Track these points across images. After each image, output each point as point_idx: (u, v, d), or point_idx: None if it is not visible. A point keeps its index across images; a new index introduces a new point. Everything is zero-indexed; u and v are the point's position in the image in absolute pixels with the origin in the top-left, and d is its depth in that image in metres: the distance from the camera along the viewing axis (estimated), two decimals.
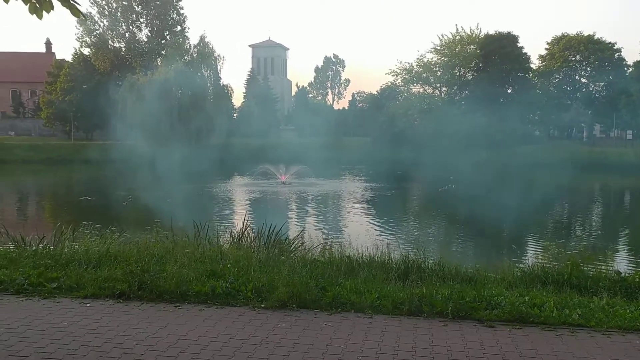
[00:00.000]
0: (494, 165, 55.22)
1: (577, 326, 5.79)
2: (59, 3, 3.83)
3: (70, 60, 71.62)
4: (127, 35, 76.65)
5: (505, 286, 7.18)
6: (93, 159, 51.29)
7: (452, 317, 5.98)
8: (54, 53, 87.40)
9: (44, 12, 3.84)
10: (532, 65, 71.44)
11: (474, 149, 60.34)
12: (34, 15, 3.80)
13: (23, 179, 44.72)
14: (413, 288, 6.69)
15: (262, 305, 6.31)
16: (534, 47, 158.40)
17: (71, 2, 3.84)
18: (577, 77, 72.99)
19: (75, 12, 3.89)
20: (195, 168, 42.08)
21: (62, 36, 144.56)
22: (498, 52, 66.09)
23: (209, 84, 72.30)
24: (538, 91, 70.53)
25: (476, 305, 6.17)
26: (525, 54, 69.07)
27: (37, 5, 3.79)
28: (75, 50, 73.82)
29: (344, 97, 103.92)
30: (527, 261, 12.02)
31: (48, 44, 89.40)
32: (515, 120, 63.63)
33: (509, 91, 69.98)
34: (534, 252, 15.67)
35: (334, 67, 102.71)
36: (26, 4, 3.75)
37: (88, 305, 6.32)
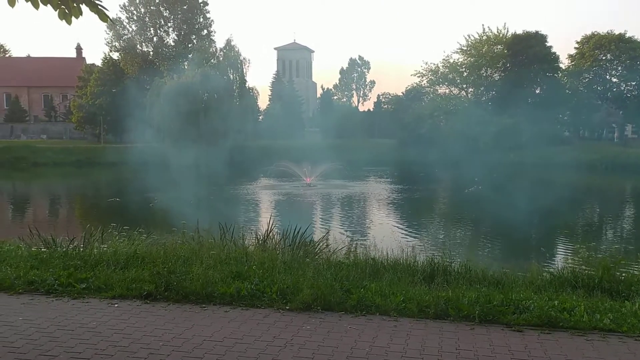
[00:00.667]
0: (522, 166, 54.46)
1: (608, 331, 5.65)
2: (88, 9, 3.90)
3: (100, 65, 73.03)
4: (154, 39, 77.85)
5: (533, 290, 7.04)
6: (121, 162, 52.19)
7: (479, 321, 5.89)
8: (84, 58, 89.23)
9: (73, 18, 3.92)
10: (561, 65, 70.20)
11: (501, 151, 59.57)
12: (64, 20, 3.87)
13: (54, 181, 45.75)
14: (439, 291, 6.62)
15: (287, 307, 6.31)
16: (563, 47, 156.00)
17: (99, 7, 3.90)
18: (607, 76, 71.40)
19: (103, 17, 3.96)
20: (221, 170, 42.46)
21: (92, 41, 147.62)
22: (526, 52, 65.12)
23: (235, 87, 72.86)
24: (567, 91, 69.24)
25: (504, 309, 6.07)
26: (554, 53, 67.90)
27: (67, 11, 3.86)
28: (105, 55, 75.31)
29: (369, 99, 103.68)
30: (556, 264, 11.81)
31: (79, 49, 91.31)
32: (543, 121, 62.57)
33: (537, 91, 68.83)
34: (563, 255, 15.37)
35: (359, 69, 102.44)
36: (56, 10, 3.83)
37: (116, 305, 6.41)
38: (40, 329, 5.59)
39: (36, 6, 3.72)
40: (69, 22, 3.91)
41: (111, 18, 3.81)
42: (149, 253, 8.43)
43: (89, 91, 68.13)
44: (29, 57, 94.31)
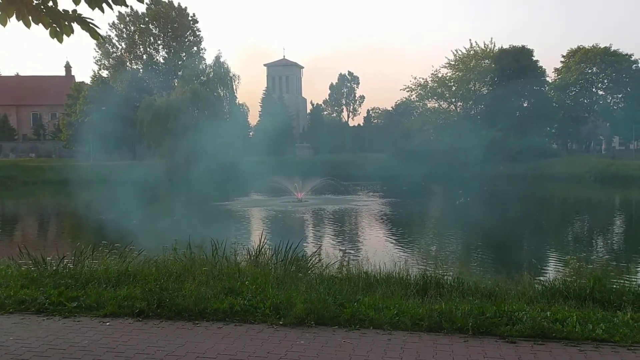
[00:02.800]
0: (512, 179, 54.83)
1: (601, 341, 5.67)
2: (79, 27, 3.92)
3: (89, 83, 72.96)
4: (144, 57, 78.07)
5: (526, 301, 7.06)
6: (111, 180, 51.87)
7: (472, 333, 5.90)
8: (73, 76, 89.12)
9: (64, 36, 3.94)
10: (547, 79, 71.17)
11: (491, 164, 60.03)
12: (55, 39, 3.90)
13: (43, 199, 45.39)
14: (432, 304, 6.63)
15: (281, 322, 6.29)
16: (550, 61, 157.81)
17: (91, 25, 3.93)
18: (594, 89, 72.40)
19: (94, 35, 3.98)
20: (211, 186, 42.34)
21: (81, 59, 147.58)
22: (513, 66, 66.01)
23: (225, 104, 73.07)
24: (555, 104, 70.09)
25: (497, 320, 6.09)
26: (541, 67, 68.94)
27: (58, 29, 3.89)
28: (94, 73, 75.31)
29: (359, 114, 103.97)
30: (547, 275, 11.87)
31: (68, 67, 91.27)
32: (532, 134, 63.22)
33: (525, 105, 69.63)
34: (554, 266, 15.44)
35: (349, 84, 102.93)
36: (47, 28, 3.85)
37: (108, 324, 6.36)
38: (32, 348, 5.53)
39: (27, 25, 3.74)
40: (60, 41, 3.93)
41: (102, 36, 3.85)
42: (140, 270, 8.38)
43: (78, 109, 68.01)
44: (17, 75, 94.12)
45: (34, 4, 3.73)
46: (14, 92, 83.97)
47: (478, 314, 6.15)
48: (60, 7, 3.84)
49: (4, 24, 3.69)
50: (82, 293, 7.20)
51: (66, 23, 3.87)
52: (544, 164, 58.05)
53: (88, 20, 3.92)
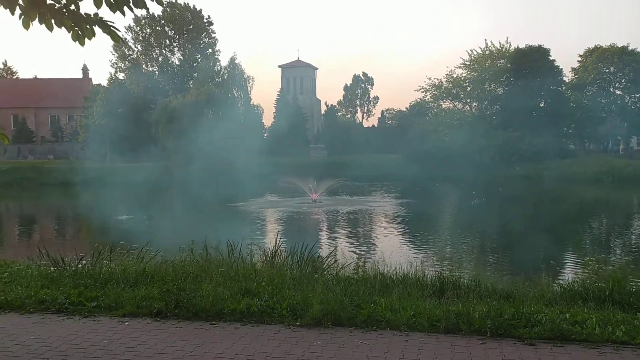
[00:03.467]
0: (528, 180, 54.36)
1: (621, 343, 5.61)
2: (100, 30, 3.98)
3: (105, 85, 73.73)
4: (160, 59, 78.73)
5: (544, 303, 7.01)
6: (126, 181, 52.38)
7: (490, 334, 5.87)
8: (90, 78, 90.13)
9: (86, 40, 4.00)
10: (564, 78, 70.36)
11: (507, 164, 59.60)
12: (77, 42, 3.96)
13: (61, 200, 45.93)
14: (449, 305, 6.59)
15: (297, 323, 6.30)
16: (566, 60, 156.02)
17: (112, 28, 3.99)
18: (611, 89, 71.40)
19: (115, 37, 4.04)
20: (227, 187, 42.56)
21: (98, 62, 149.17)
22: (529, 65, 65.36)
23: (239, 105, 73.42)
24: (572, 104, 69.29)
25: (515, 322, 6.05)
26: (558, 67, 68.14)
27: (80, 32, 3.94)
28: (111, 75, 76.13)
29: (373, 115, 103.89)
30: (566, 277, 11.74)
31: (85, 70, 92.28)
32: (548, 134, 62.62)
33: (542, 105, 68.93)
34: (572, 267, 15.27)
35: (363, 85, 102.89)
36: (69, 32, 3.91)
37: (127, 323, 6.42)
38: (52, 347, 5.60)
39: (50, 28, 3.80)
40: (82, 44, 3.99)
41: (123, 39, 3.90)
42: (157, 271, 8.45)
43: (95, 111, 68.73)
44: (35, 78, 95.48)
45: (56, 7, 3.79)
46: (33, 94, 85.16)
47: (496, 316, 6.11)
48: (82, 11, 3.89)
49: (27, 28, 3.75)
50: (101, 293, 7.29)
51: (88, 26, 3.93)
52: (560, 165, 57.42)
53: (109, 23, 3.98)
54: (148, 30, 79.00)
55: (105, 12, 3.94)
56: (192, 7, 78.73)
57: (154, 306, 6.75)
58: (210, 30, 79.70)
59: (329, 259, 10.54)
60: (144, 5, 3.87)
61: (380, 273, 8.55)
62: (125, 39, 77.44)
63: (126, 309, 6.79)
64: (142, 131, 63.21)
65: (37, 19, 3.76)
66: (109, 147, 68.98)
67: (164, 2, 3.81)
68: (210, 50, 79.43)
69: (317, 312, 6.33)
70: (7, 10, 3.58)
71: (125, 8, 3.83)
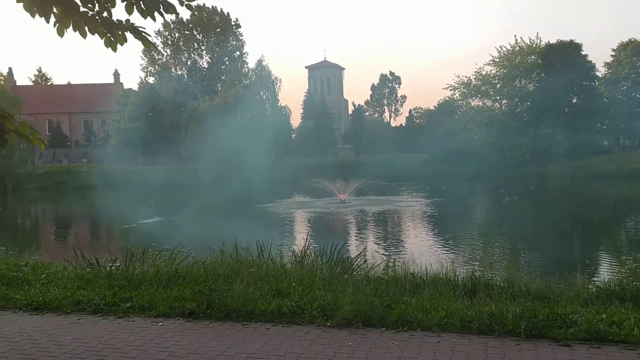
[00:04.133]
0: (560, 177, 53.31)
1: None
2: (132, 35, 4.05)
3: (136, 89, 75.09)
4: (188, 62, 79.79)
5: (580, 303, 6.86)
6: (157, 183, 53.22)
7: (524, 336, 5.76)
8: (121, 83, 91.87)
9: (118, 45, 4.08)
10: (597, 74, 68.73)
11: (539, 162, 58.56)
12: (109, 48, 4.04)
13: (93, 203, 46.90)
14: (482, 306, 6.49)
15: (328, 324, 6.30)
16: (599, 55, 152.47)
17: (143, 34, 4.06)
18: None
19: (146, 43, 4.11)
20: (255, 189, 42.83)
21: (129, 67, 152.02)
22: (561, 61, 64.04)
23: (267, 106, 73.91)
24: (605, 100, 67.67)
25: (550, 323, 5.92)
26: (590, 61, 66.60)
27: (112, 38, 4.03)
28: (141, 80, 77.48)
29: (400, 114, 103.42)
30: (602, 277, 11.47)
31: (116, 74, 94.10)
32: (582, 131, 61.30)
33: (574, 101, 67.49)
34: (608, 267, 14.91)
35: (390, 84, 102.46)
36: (102, 38, 4.00)
37: (160, 324, 6.52)
38: (89, 347, 5.73)
39: (84, 35, 3.89)
40: (115, 50, 4.07)
41: (154, 44, 3.95)
42: (189, 272, 8.56)
43: (127, 115, 70.04)
44: (69, 84, 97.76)
45: (89, 15, 3.88)
46: (66, 100, 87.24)
47: (530, 317, 6.00)
48: (114, 17, 3.97)
49: (62, 35, 3.84)
50: (135, 294, 7.42)
51: (120, 32, 4.01)
52: (594, 162, 56.06)
53: (140, 29, 4.05)
54: (177, 35, 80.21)
55: (136, 18, 4.02)
56: (219, 10, 79.64)
57: (186, 307, 6.83)
58: (237, 33, 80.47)
59: (359, 259, 10.51)
60: (174, 11, 3.93)
61: (410, 273, 8.48)
62: (155, 43, 78.83)
63: (159, 310, 6.89)
64: (172, 134, 64.16)
65: (71, 27, 3.85)
66: (140, 150, 70.27)
67: (193, 7, 3.85)
68: (237, 52, 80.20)
69: (348, 312, 6.31)
70: (42, 18, 3.67)
71: (156, 13, 3.89)
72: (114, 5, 3.87)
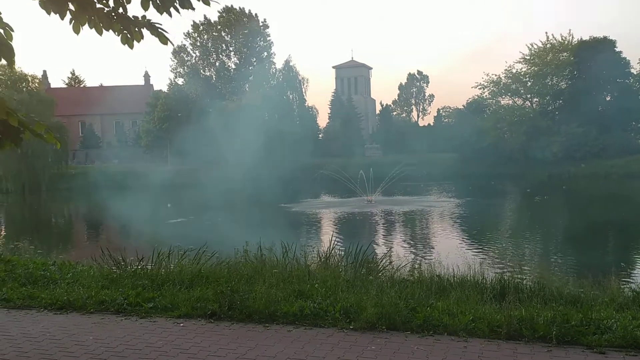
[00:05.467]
0: (594, 177, 52.03)
1: None
2: (148, 32, 3.98)
3: (165, 91, 76.08)
4: (217, 64, 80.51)
5: (615, 308, 6.56)
6: (186, 183, 53.81)
7: (556, 342, 5.51)
8: (152, 85, 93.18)
9: (135, 42, 4.02)
10: (632, 71, 66.74)
11: (571, 161, 57.27)
12: (126, 45, 3.98)
13: (124, 203, 47.62)
14: (511, 310, 6.24)
15: (351, 327, 6.16)
16: (635, 51, 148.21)
17: (159, 30, 3.98)
18: None
19: (163, 40, 4.03)
20: (283, 188, 42.94)
21: (159, 68, 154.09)
22: (594, 58, 62.32)
23: (294, 107, 74.05)
24: None
25: (583, 329, 5.67)
26: (625, 58, 64.73)
27: (129, 35, 3.96)
28: (171, 81, 78.46)
29: (428, 113, 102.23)
30: (638, 280, 11.05)
31: (147, 76, 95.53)
32: (616, 129, 59.66)
33: (608, 99, 65.71)
34: None
35: (418, 83, 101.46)
36: (118, 35, 3.94)
37: (182, 325, 6.47)
38: (110, 348, 5.71)
39: (100, 32, 3.84)
40: (131, 47, 4.01)
41: (171, 41, 3.87)
42: (212, 272, 8.52)
43: (156, 116, 70.98)
44: (101, 86, 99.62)
45: (105, 11, 3.82)
46: (98, 102, 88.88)
47: (562, 322, 5.75)
48: (130, 14, 3.91)
49: (77, 32, 3.80)
50: (158, 294, 7.40)
51: (136, 29, 3.94)
52: (629, 161, 54.49)
53: (157, 25, 3.98)
54: (206, 36, 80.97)
55: (153, 15, 3.95)
56: (248, 11, 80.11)
57: (208, 307, 6.77)
58: (265, 34, 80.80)
59: (384, 261, 10.35)
60: (190, 6, 3.84)
61: (436, 275, 8.29)
62: (184, 45, 79.81)
63: (181, 310, 6.85)
64: (200, 135, 64.72)
65: (87, 24, 3.80)
66: (170, 151, 71.17)
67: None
68: (265, 53, 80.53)
69: (371, 315, 6.16)
70: (57, 15, 3.63)
71: (172, 9, 3.81)
72: (129, 1, 3.81)
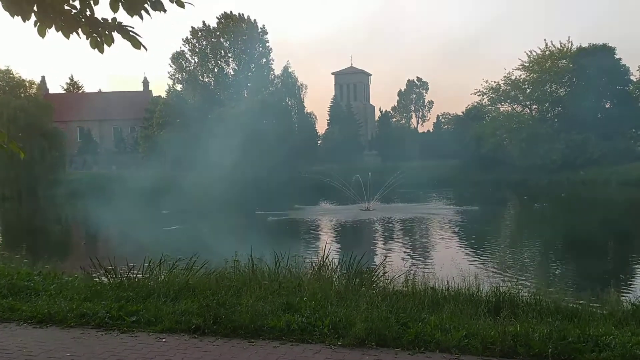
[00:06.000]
0: (593, 184, 51.84)
1: None
2: (119, 36, 3.78)
3: (164, 97, 75.95)
4: (215, 70, 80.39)
5: (614, 323, 6.34)
6: (183, 189, 53.52)
7: (552, 359, 5.28)
8: (150, 91, 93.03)
9: (105, 47, 3.81)
10: (632, 78, 66.69)
11: (570, 169, 57.12)
12: (96, 49, 3.77)
13: (121, 209, 47.36)
14: (506, 325, 6.01)
15: (339, 343, 5.91)
16: (634, 59, 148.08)
17: (131, 34, 3.77)
18: None
19: (135, 44, 3.82)
20: (281, 195, 42.73)
21: (158, 74, 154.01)
22: (593, 65, 62.30)
23: (293, 113, 73.93)
24: None
25: (581, 346, 5.44)
26: (624, 65, 64.75)
27: (98, 39, 3.76)
28: (169, 87, 78.36)
29: (428, 120, 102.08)
30: (638, 293, 10.81)
31: (145, 82, 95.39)
32: (615, 137, 59.57)
33: (607, 106, 65.65)
34: None
35: (417, 90, 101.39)
36: (87, 38, 3.73)
37: (164, 340, 6.23)
38: None
39: (67, 35, 3.62)
40: (102, 51, 3.80)
41: (144, 45, 3.66)
42: (200, 283, 8.27)
43: (155, 122, 70.83)
44: (100, 92, 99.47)
45: (72, 13, 3.61)
46: (97, 108, 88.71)
47: (559, 338, 5.52)
48: (99, 16, 3.70)
49: (43, 35, 3.60)
50: (141, 307, 7.13)
51: (106, 32, 3.73)
52: (629, 169, 54.29)
53: (128, 28, 3.76)
54: (204, 42, 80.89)
55: (124, 18, 3.74)
56: (246, 17, 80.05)
57: (192, 322, 6.52)
58: (264, 40, 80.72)
59: (378, 271, 10.10)
60: (162, 8, 3.63)
61: (430, 287, 8.04)
62: (183, 51, 79.74)
63: (165, 325, 6.58)
64: (199, 141, 64.57)
65: (53, 27, 3.59)
66: (168, 157, 70.94)
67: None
68: (264, 59, 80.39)
69: (361, 330, 5.92)
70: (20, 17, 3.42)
71: (143, 12, 3.60)
72: (97, 3, 3.60)
